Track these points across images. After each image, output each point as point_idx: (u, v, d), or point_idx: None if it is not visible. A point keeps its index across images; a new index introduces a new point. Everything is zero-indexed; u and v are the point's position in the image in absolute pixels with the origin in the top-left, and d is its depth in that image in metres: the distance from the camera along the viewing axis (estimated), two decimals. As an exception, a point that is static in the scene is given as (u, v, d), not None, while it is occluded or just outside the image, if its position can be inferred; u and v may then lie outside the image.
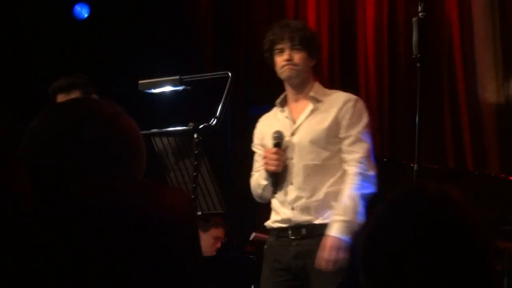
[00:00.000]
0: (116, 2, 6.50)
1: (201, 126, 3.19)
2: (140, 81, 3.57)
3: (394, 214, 1.51)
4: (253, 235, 4.57)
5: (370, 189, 3.63)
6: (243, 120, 6.26)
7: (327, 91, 3.88)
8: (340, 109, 3.75)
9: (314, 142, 3.73)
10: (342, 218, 3.57)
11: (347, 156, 3.69)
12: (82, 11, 6.41)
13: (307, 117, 3.81)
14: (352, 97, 3.82)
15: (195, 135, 3.11)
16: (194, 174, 3.09)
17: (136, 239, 1.43)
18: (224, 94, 3.37)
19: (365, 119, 3.77)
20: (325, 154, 3.72)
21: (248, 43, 6.60)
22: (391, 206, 1.53)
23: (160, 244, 1.45)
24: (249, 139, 3.98)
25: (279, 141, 3.76)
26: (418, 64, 3.07)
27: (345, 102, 3.77)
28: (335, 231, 3.55)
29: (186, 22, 6.71)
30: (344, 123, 3.73)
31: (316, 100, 3.81)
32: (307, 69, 3.84)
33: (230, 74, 3.40)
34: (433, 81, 5.71)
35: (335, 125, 3.73)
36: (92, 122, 1.55)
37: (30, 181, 1.42)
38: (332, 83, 6.30)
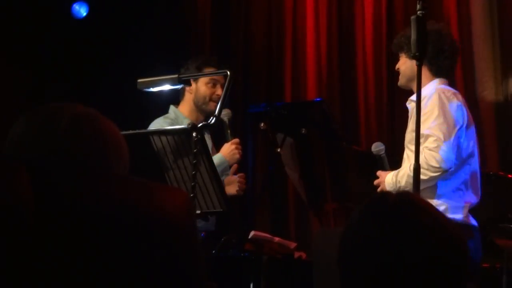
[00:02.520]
0: (115, 1, 6.50)
1: (200, 125, 3.19)
2: (139, 80, 3.57)
3: (361, 220, 1.52)
4: (252, 233, 4.56)
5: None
6: (242, 118, 6.26)
7: (433, 89, 3.83)
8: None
9: (406, 147, 3.80)
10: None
11: None
12: (81, 10, 6.40)
13: (409, 121, 3.86)
14: (429, 93, 3.78)
15: (193, 134, 3.11)
16: (193, 172, 3.09)
17: (135, 238, 1.43)
18: (223, 93, 3.37)
19: (436, 112, 3.68)
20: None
21: (247, 42, 6.60)
22: (358, 215, 1.54)
23: (159, 243, 1.45)
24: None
25: (377, 156, 3.93)
26: (417, 63, 3.07)
27: (422, 101, 3.66)
28: None
29: (185, 21, 6.70)
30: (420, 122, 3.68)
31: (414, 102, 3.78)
32: (410, 69, 3.83)
33: (228, 72, 3.40)
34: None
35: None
36: (65, 120, 1.57)
37: (29, 182, 1.42)
38: (330, 82, 6.31)
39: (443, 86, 3.83)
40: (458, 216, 3.63)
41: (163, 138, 3.23)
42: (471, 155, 3.73)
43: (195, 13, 6.69)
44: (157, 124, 4.20)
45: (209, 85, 4.27)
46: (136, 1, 6.57)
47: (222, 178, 3.98)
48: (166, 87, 3.57)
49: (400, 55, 3.96)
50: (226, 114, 4.13)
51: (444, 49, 3.86)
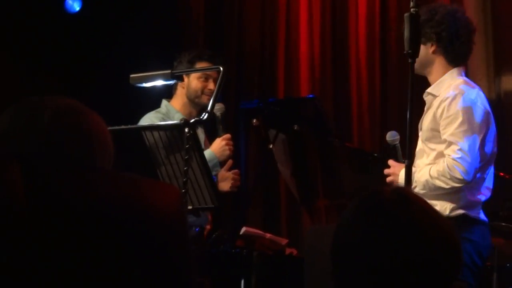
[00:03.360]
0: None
1: (192, 120, 3.19)
2: (132, 75, 3.56)
3: (356, 216, 1.52)
4: (243, 229, 4.56)
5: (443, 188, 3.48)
6: (234, 114, 6.26)
7: (452, 82, 3.62)
8: (437, 109, 3.53)
9: (424, 143, 3.62)
10: None
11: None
12: (74, 5, 6.39)
13: (425, 114, 3.65)
14: (452, 93, 3.54)
15: (186, 129, 3.11)
16: (185, 168, 3.09)
17: (126, 234, 1.43)
18: (216, 89, 3.37)
19: (460, 118, 3.47)
20: (432, 154, 3.57)
21: (240, 38, 6.60)
22: (353, 211, 1.54)
23: (150, 239, 1.44)
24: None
25: (392, 145, 3.75)
26: (409, 60, 3.07)
27: (443, 101, 3.53)
28: None
29: (179, 17, 6.69)
30: (442, 124, 3.53)
31: (432, 96, 3.62)
32: (424, 54, 3.51)
33: (221, 68, 3.40)
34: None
35: (436, 125, 3.54)
36: (48, 113, 1.56)
37: (21, 177, 1.42)
38: (323, 79, 6.31)
39: (465, 82, 3.65)
40: (469, 212, 3.58)
41: (155, 133, 3.23)
42: (492, 156, 3.65)
43: (189, 8, 6.69)
44: (148, 119, 4.19)
45: (201, 79, 4.25)
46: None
47: (213, 174, 3.97)
48: (159, 82, 3.56)
49: None
50: (219, 109, 4.12)
51: (460, 34, 3.64)
